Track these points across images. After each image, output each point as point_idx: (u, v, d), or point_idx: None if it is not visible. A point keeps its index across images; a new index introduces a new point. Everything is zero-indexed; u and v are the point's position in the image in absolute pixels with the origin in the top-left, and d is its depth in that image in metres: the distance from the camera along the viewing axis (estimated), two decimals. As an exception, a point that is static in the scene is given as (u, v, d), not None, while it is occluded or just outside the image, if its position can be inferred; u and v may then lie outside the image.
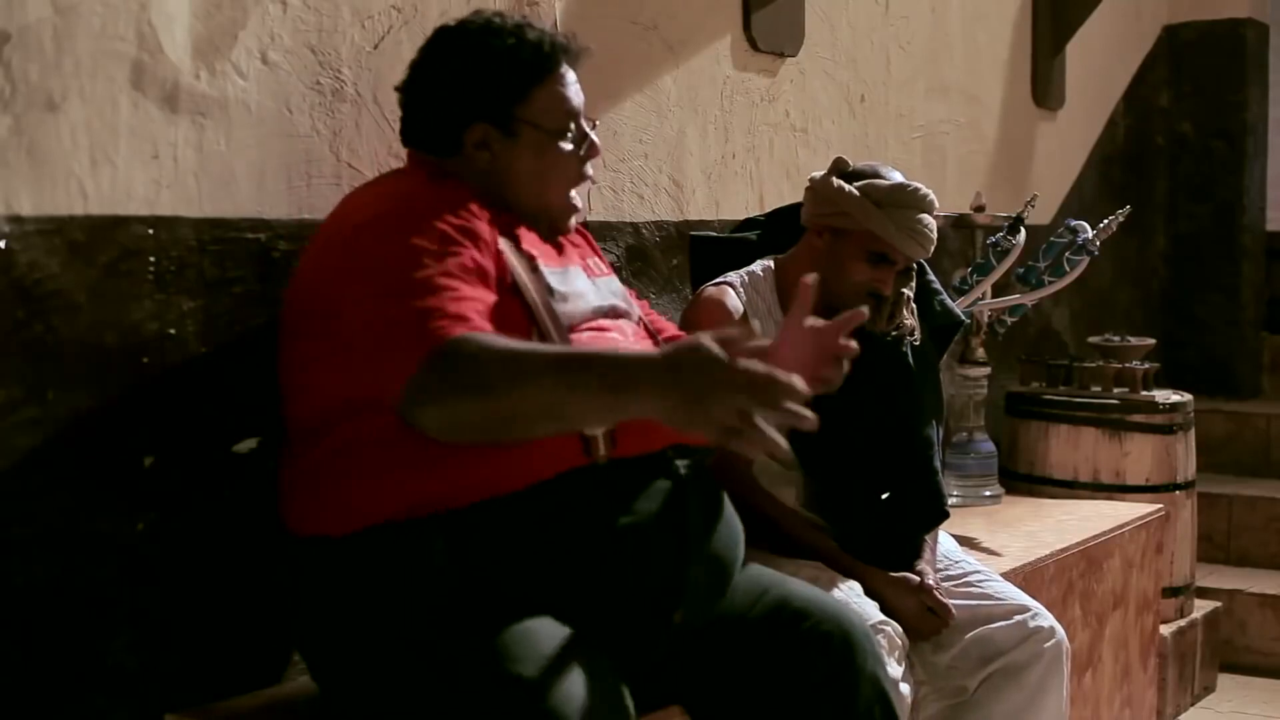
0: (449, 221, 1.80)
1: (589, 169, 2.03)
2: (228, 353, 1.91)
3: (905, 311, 2.48)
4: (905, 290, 2.48)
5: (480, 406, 1.64)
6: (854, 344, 1.74)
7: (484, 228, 1.83)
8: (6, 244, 1.73)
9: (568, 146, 1.97)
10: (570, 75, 2.00)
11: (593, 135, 2.02)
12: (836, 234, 2.44)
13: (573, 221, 2.03)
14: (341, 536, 1.79)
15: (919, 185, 2.44)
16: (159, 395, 1.92)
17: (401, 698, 1.73)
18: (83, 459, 1.84)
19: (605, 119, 2.76)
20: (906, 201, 2.42)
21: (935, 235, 2.44)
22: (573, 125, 1.98)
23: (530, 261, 1.88)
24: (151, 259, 1.90)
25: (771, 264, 2.54)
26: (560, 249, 2.01)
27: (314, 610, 1.87)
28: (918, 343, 2.54)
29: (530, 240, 1.93)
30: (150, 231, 1.89)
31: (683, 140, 2.99)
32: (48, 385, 1.79)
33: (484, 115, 1.94)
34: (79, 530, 1.83)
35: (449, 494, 1.75)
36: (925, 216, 2.42)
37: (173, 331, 1.93)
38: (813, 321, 1.75)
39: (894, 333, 2.48)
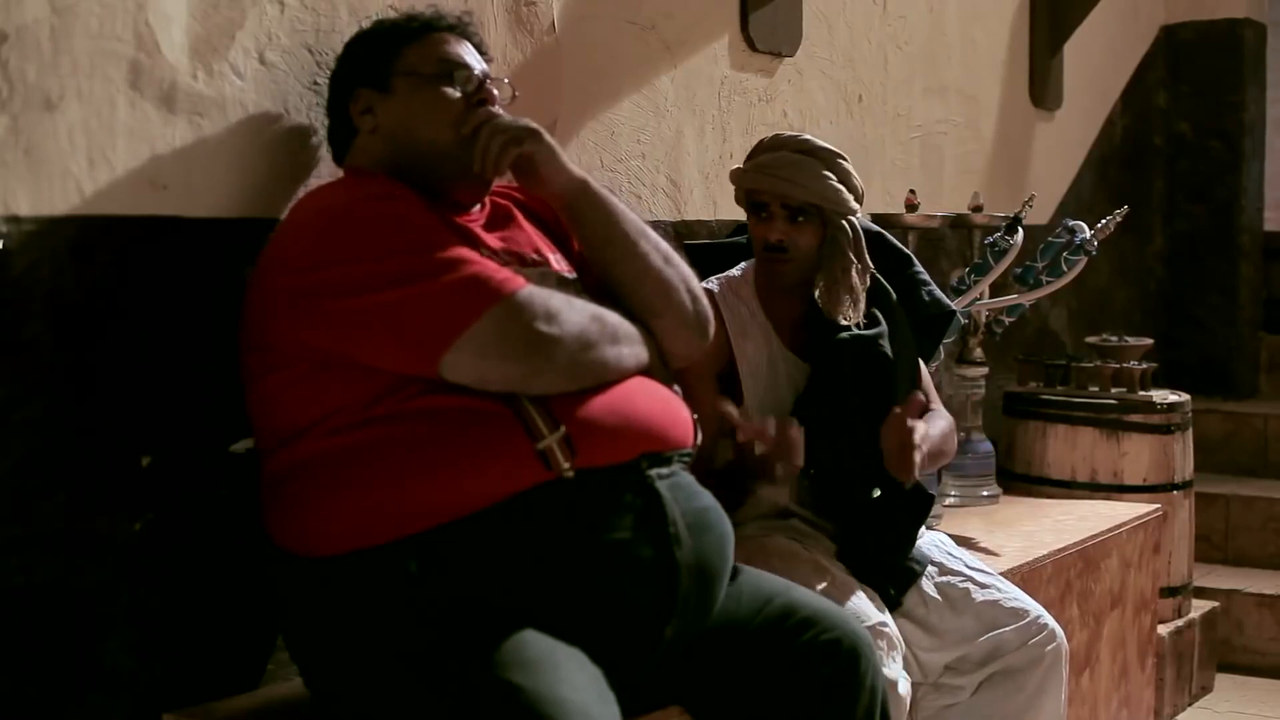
0: (412, 211, 1.83)
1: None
2: (226, 353, 1.91)
3: (847, 297, 2.43)
4: (851, 271, 2.42)
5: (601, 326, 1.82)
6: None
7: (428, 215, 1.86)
8: (4, 244, 1.73)
9: (451, 92, 1.96)
10: (458, 41, 2.00)
11: (492, 87, 2.00)
12: (747, 210, 2.50)
13: (491, 174, 1.96)
14: (314, 558, 1.79)
15: (788, 134, 2.49)
16: (158, 395, 1.92)
17: (394, 707, 1.73)
18: (82, 459, 1.84)
19: (603, 119, 2.77)
20: (761, 149, 2.49)
21: (803, 169, 2.40)
22: (455, 73, 1.96)
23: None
24: (150, 259, 1.90)
25: (750, 264, 2.54)
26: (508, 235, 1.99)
27: (296, 625, 1.87)
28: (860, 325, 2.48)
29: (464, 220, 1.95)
30: (148, 231, 1.89)
31: (680, 140, 2.99)
32: (47, 385, 1.79)
33: (362, 81, 1.98)
34: (77, 530, 1.83)
35: (415, 512, 1.73)
36: (779, 153, 2.43)
37: (171, 331, 1.93)
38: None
39: (845, 320, 2.43)
